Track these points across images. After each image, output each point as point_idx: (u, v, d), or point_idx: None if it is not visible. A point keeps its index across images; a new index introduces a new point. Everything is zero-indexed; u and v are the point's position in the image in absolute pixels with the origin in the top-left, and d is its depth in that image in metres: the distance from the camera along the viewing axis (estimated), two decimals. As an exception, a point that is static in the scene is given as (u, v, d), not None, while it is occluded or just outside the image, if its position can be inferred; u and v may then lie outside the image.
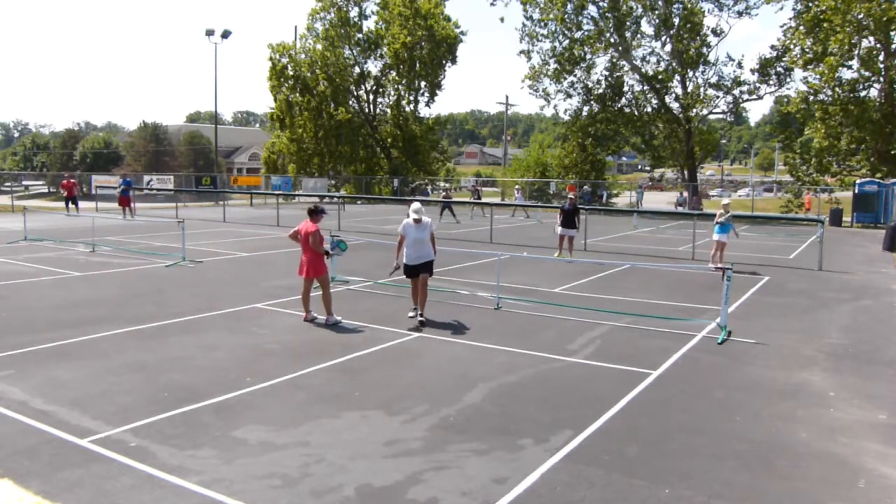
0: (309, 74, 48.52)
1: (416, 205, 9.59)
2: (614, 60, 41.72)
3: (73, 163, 69.28)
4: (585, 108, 43.17)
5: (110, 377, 7.00)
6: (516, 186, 41.27)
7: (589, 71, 42.66)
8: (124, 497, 4.53)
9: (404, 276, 9.92)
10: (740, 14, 38.98)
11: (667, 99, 41.57)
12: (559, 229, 16.92)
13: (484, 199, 38.92)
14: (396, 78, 49.94)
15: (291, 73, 48.45)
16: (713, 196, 65.30)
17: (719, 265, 14.21)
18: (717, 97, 40.71)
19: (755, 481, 4.95)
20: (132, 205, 27.48)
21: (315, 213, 9.82)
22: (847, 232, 28.14)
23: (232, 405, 6.28)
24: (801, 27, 33.74)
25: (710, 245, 16.10)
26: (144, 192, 40.60)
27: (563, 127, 47.44)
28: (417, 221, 9.52)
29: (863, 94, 33.70)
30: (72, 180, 29.51)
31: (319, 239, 9.65)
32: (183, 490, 4.64)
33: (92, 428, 5.65)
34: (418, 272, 9.68)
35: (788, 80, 38.53)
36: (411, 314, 9.70)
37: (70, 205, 28.27)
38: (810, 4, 33.27)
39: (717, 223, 15.52)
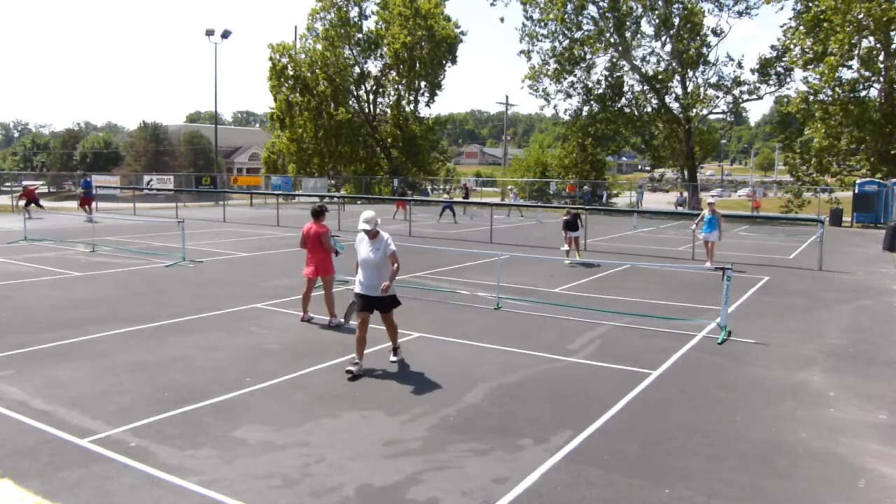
0: (309, 74, 48.51)
1: (367, 212, 7.29)
2: (614, 60, 41.74)
3: (73, 163, 69.21)
4: (585, 108, 43.20)
5: (110, 377, 7.01)
6: (510, 186, 41.32)
7: (589, 71, 42.70)
8: (124, 497, 4.53)
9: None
10: (740, 14, 39.01)
11: (667, 99, 41.59)
12: (565, 234, 16.35)
13: (484, 200, 38.96)
14: (396, 78, 49.92)
15: (291, 73, 48.43)
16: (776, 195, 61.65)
17: (708, 264, 14.29)
18: (717, 97, 40.73)
19: (755, 481, 4.95)
20: (92, 204, 27.32)
21: (320, 214, 9.79)
22: (847, 232, 28.14)
23: (232, 405, 6.28)
24: (801, 27, 33.73)
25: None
26: (144, 192, 40.61)
27: (563, 127, 47.48)
28: (371, 236, 7.23)
29: (863, 94, 33.72)
30: (31, 186, 29.91)
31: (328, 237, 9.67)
32: (183, 490, 4.64)
33: (92, 428, 5.65)
34: (371, 307, 7.32)
35: (788, 80, 38.56)
36: (350, 368, 7.15)
37: (29, 207, 28.07)
38: (810, 4, 33.26)
39: (696, 223, 16.03)
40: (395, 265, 7.31)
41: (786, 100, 37.40)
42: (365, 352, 7.33)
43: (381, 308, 7.35)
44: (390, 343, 7.76)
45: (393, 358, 7.70)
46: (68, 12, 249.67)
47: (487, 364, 7.73)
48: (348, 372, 7.10)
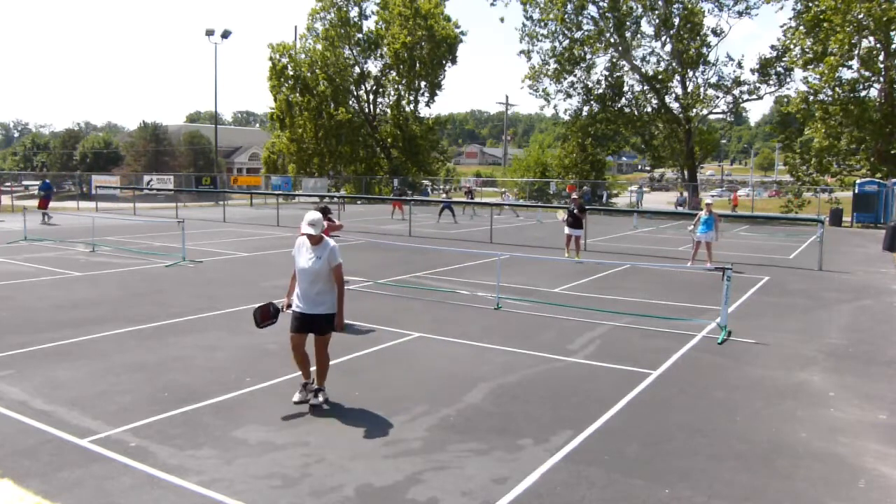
0: (309, 74, 48.53)
1: (312, 214, 6.14)
2: (614, 60, 41.75)
3: (73, 163, 69.20)
4: (585, 108, 43.22)
5: (110, 377, 7.01)
6: (503, 190, 41.47)
7: (589, 71, 42.72)
8: (124, 497, 4.53)
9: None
10: (740, 14, 39.04)
11: (667, 99, 41.60)
12: (566, 229, 17.11)
13: (483, 200, 38.99)
14: (396, 78, 49.95)
15: (291, 73, 48.46)
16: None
17: (708, 265, 14.33)
18: (717, 97, 40.74)
19: (755, 481, 4.95)
20: (48, 207, 26.12)
21: (323, 215, 9.77)
22: (847, 232, 28.14)
23: (232, 405, 6.28)
24: (801, 27, 33.74)
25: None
26: (144, 192, 40.61)
27: (563, 127, 47.50)
28: (314, 241, 6.12)
29: (863, 94, 33.72)
30: None
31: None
32: (183, 490, 4.64)
33: (92, 428, 5.65)
34: (306, 327, 6.15)
35: (788, 80, 38.58)
36: (297, 398, 6.23)
37: None
38: (810, 4, 33.27)
39: (694, 224, 15.99)
40: (341, 285, 6.12)
41: (786, 100, 37.40)
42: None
43: (315, 329, 6.15)
44: (315, 379, 6.39)
45: (314, 400, 6.25)
46: (68, 12, 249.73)
47: (487, 364, 7.73)
48: (297, 403, 6.10)
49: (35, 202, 28.03)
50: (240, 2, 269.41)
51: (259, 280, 13.04)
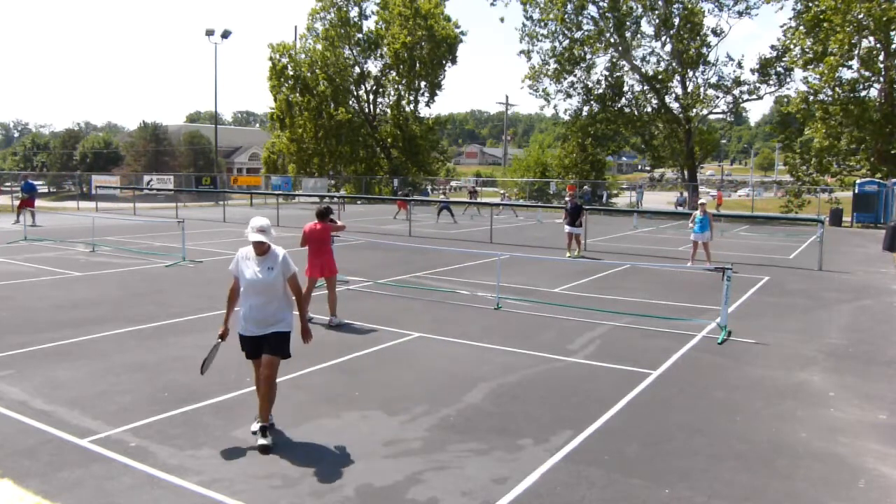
0: (309, 74, 48.52)
1: (258, 220, 5.63)
2: (614, 60, 41.72)
3: (73, 163, 69.21)
4: (585, 108, 43.19)
5: (110, 377, 7.01)
6: (502, 192, 41.62)
7: (589, 71, 42.69)
8: (124, 497, 4.53)
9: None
10: (740, 14, 38.99)
11: (667, 99, 41.57)
12: (566, 228, 17.60)
13: (483, 200, 39.09)
14: (396, 78, 49.93)
15: (291, 73, 48.46)
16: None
17: (708, 264, 14.34)
18: (717, 97, 40.71)
19: (755, 481, 4.95)
20: (33, 208, 24.28)
21: (326, 215, 9.77)
22: (847, 232, 28.14)
23: (232, 405, 6.28)
24: (801, 27, 33.74)
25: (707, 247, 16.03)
26: (144, 192, 40.60)
27: (563, 127, 47.48)
28: (261, 251, 5.56)
29: (863, 94, 33.71)
30: None
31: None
32: (183, 490, 4.64)
33: (92, 428, 5.65)
34: (259, 349, 5.50)
35: (788, 80, 38.54)
36: (264, 443, 5.30)
37: None
38: (810, 4, 33.26)
39: (691, 224, 16.00)
40: (300, 295, 5.62)
41: (786, 100, 37.37)
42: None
43: (267, 349, 5.45)
44: (259, 414, 5.47)
45: (262, 440, 5.31)
46: (68, 12, 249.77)
47: (487, 364, 7.73)
48: (263, 448, 5.26)
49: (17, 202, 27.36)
50: (240, 2, 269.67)
51: (259, 280, 13.03)
